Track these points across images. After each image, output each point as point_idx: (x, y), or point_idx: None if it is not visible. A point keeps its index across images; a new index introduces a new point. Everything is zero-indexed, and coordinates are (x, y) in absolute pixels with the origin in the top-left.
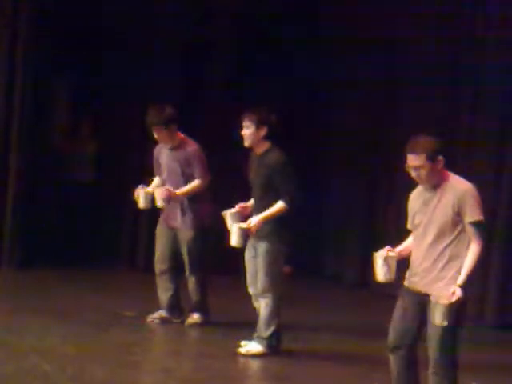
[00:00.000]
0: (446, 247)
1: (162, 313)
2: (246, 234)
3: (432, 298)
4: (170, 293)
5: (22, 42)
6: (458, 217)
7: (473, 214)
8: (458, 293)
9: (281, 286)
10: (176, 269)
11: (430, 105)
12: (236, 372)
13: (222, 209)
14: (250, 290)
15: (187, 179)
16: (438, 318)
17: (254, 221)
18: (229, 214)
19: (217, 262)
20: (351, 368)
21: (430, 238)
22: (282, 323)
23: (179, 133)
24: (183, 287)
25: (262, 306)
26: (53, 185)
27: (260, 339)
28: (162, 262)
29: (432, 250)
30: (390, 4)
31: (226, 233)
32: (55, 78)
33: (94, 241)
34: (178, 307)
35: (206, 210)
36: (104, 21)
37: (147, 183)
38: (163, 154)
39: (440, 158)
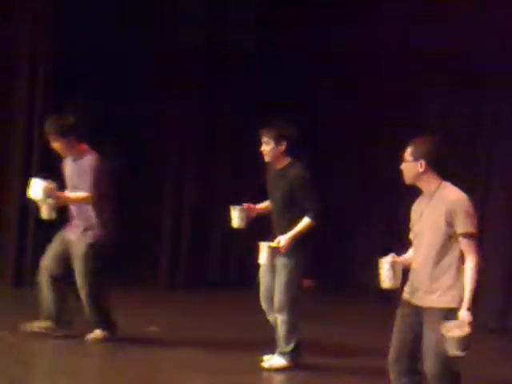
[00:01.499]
0: (438, 258)
1: (46, 323)
2: (274, 253)
3: (443, 330)
4: (52, 303)
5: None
6: (449, 227)
7: (464, 225)
8: (469, 318)
9: (298, 301)
10: (58, 279)
11: None
12: None
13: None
14: (263, 304)
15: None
16: (452, 350)
17: (283, 239)
18: (235, 208)
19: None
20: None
21: (423, 249)
22: (306, 336)
23: (82, 144)
24: None
25: (280, 322)
26: None
27: (282, 354)
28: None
29: (425, 261)
30: None
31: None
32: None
33: None
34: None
35: (106, 225)
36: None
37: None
38: (67, 166)
39: (422, 161)
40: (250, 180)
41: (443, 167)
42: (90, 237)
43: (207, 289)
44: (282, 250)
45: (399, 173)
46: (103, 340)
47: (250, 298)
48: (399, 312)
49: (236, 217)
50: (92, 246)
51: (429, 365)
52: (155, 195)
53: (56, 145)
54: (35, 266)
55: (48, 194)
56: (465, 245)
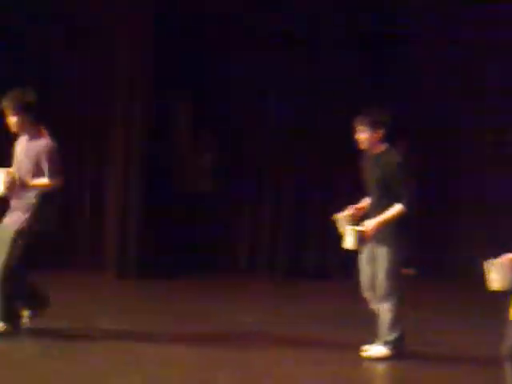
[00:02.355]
0: None
1: None
2: (361, 237)
3: None
4: None
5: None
6: None
7: None
8: None
9: (401, 290)
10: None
11: None
12: (360, 376)
13: None
14: (365, 293)
15: (34, 177)
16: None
17: (371, 224)
18: (341, 217)
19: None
20: (479, 373)
21: None
22: (407, 326)
23: (40, 126)
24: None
25: (384, 311)
26: (174, 195)
27: (385, 343)
28: None
29: None
30: None
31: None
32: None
33: (209, 249)
34: None
35: (46, 212)
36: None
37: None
38: (20, 145)
39: None
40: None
41: None
42: (20, 223)
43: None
44: (369, 235)
45: None
46: (3, 334)
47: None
48: None
49: (349, 238)
50: (21, 233)
51: None
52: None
53: (11, 120)
54: (138, 259)
55: (10, 186)
56: None
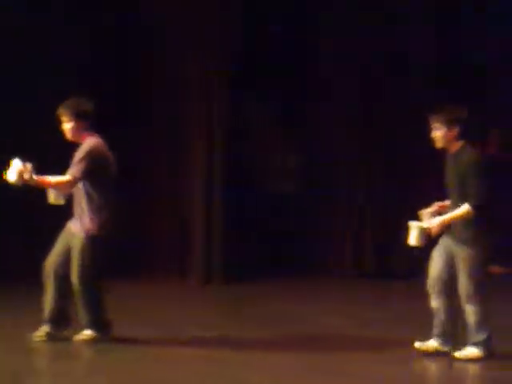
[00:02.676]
0: None
1: (46, 328)
2: (425, 234)
3: None
4: (49, 303)
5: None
6: None
7: None
8: None
9: (485, 289)
10: (64, 277)
11: None
12: (452, 378)
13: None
14: (430, 289)
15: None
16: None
17: (435, 222)
18: (425, 214)
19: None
20: None
21: None
22: (495, 324)
23: (91, 133)
24: None
25: (469, 312)
26: (257, 197)
27: (474, 344)
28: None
29: None
30: None
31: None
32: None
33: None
34: (59, 320)
35: (103, 216)
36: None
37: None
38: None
39: None
40: None
41: None
42: (84, 230)
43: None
44: (434, 232)
45: None
46: (93, 341)
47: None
48: None
49: (413, 234)
50: (87, 240)
51: None
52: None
53: (67, 127)
54: (223, 264)
55: (22, 176)
56: None
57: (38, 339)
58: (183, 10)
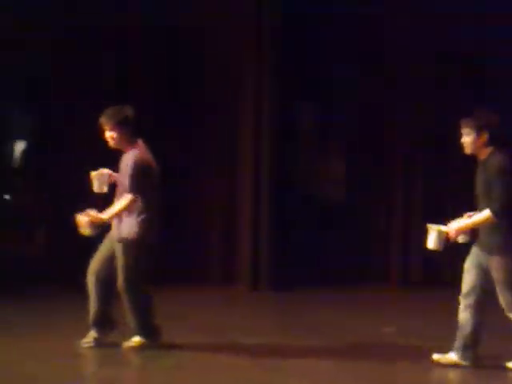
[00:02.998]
0: None
1: (93, 333)
2: (444, 238)
3: None
4: (94, 308)
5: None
6: None
7: None
8: None
9: None
10: (107, 282)
11: None
12: None
13: None
14: (463, 300)
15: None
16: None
17: (455, 226)
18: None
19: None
20: None
21: None
22: None
23: (134, 140)
24: None
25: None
26: (304, 204)
27: None
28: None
29: None
30: None
31: None
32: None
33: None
34: (105, 324)
35: (146, 220)
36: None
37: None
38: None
39: None
40: None
41: None
42: (129, 235)
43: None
44: (452, 237)
45: None
46: (142, 348)
47: None
48: None
49: (432, 238)
50: (131, 245)
51: None
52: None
53: (111, 135)
54: (271, 268)
55: (90, 227)
56: None
57: (85, 345)
58: (234, 10)
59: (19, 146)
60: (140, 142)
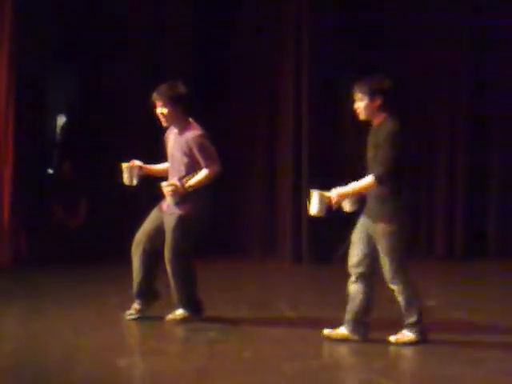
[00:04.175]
0: None
1: (136, 305)
2: (326, 203)
3: None
4: (137, 279)
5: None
6: None
7: None
8: None
9: (408, 268)
10: (152, 253)
11: None
12: None
13: None
14: (352, 272)
15: (188, 169)
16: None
17: (337, 191)
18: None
19: None
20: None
21: None
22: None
23: (188, 118)
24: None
25: (397, 293)
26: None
27: (408, 327)
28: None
29: None
30: None
31: None
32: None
33: None
34: (148, 295)
35: (194, 195)
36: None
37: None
38: (170, 139)
39: None
40: None
41: None
42: (181, 209)
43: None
44: (333, 203)
45: None
46: (185, 321)
47: None
48: None
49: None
50: (182, 219)
51: None
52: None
53: (163, 111)
54: (311, 242)
55: (172, 195)
56: None
57: (128, 317)
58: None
59: (61, 120)
60: (192, 120)
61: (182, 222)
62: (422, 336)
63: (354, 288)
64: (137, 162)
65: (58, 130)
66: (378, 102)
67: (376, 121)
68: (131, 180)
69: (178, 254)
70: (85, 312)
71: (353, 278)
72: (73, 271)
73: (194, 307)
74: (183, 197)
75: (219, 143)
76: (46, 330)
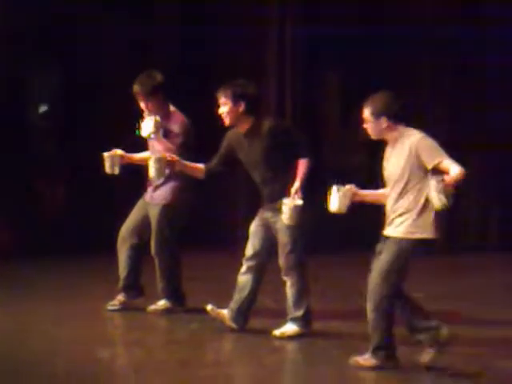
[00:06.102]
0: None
1: (120, 297)
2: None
3: None
4: (124, 273)
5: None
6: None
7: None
8: None
9: (305, 262)
10: (137, 246)
11: None
12: None
13: None
14: (245, 262)
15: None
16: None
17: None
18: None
19: None
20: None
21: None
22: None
23: (169, 105)
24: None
25: (288, 285)
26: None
27: (293, 320)
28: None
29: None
30: None
31: None
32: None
33: None
34: (133, 289)
35: (178, 185)
36: None
37: None
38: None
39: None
40: None
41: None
42: (166, 199)
43: None
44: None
45: None
46: (168, 312)
47: None
48: None
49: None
50: (166, 208)
51: None
52: None
53: (145, 105)
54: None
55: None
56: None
57: (111, 308)
58: None
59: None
60: (172, 107)
61: (166, 212)
62: (306, 328)
63: (245, 279)
64: (118, 151)
65: (40, 118)
66: (242, 106)
67: (244, 127)
68: (113, 168)
69: (164, 243)
70: (67, 304)
71: (244, 269)
72: (57, 263)
73: (178, 298)
74: (165, 188)
75: (206, 132)
76: (27, 321)
